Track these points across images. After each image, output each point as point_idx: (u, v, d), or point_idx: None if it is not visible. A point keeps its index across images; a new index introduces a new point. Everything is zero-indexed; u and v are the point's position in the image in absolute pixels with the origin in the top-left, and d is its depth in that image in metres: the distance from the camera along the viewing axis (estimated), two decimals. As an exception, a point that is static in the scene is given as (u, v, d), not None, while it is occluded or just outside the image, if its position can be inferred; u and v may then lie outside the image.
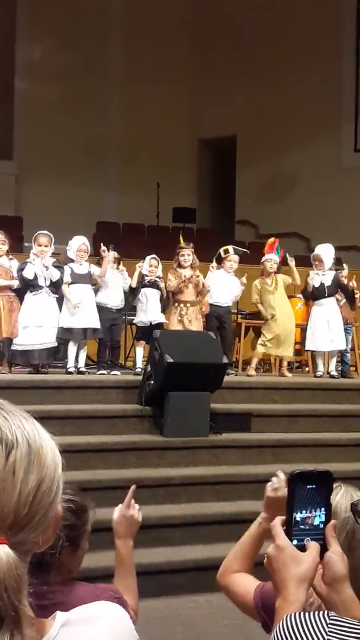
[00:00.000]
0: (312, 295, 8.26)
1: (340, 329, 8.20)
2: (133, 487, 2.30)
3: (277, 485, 2.05)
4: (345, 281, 8.42)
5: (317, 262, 8.34)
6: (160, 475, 5.82)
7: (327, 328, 8.14)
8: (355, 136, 15.33)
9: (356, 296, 8.73)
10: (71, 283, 7.37)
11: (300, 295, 9.77)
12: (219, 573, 2.02)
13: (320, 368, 8.31)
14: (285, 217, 14.40)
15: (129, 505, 2.26)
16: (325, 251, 8.38)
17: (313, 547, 1.20)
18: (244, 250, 8.50)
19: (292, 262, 8.28)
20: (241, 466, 6.19)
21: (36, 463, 0.92)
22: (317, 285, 8.21)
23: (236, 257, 8.10)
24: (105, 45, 15.76)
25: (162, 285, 7.86)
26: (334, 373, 8.20)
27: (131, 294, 7.90)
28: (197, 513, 5.56)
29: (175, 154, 16.16)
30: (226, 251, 8.12)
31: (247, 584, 1.93)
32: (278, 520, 1.23)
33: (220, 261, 8.11)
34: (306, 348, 8.62)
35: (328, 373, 8.22)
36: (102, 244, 7.82)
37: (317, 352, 8.38)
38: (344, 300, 8.59)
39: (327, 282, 8.23)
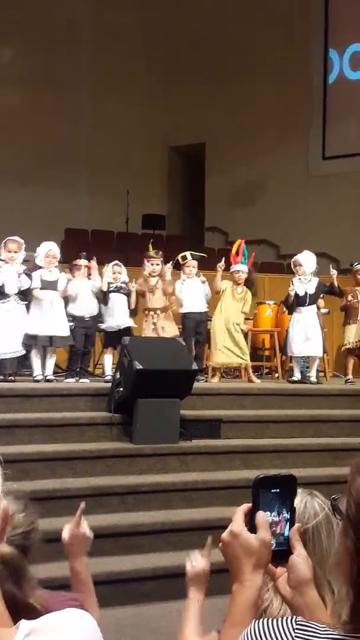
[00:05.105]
0: (294, 305, 8.30)
1: (318, 337, 8.28)
2: (82, 506, 2.21)
3: (196, 560, 2.07)
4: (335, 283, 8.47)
5: (297, 267, 8.36)
6: (129, 482, 5.80)
7: (305, 335, 8.21)
8: (324, 144, 15.45)
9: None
10: (41, 289, 7.31)
11: (270, 302, 9.83)
12: None
13: (297, 374, 8.34)
14: (255, 224, 14.42)
15: (79, 524, 2.17)
16: (306, 257, 8.42)
17: (262, 528, 1.20)
18: (202, 254, 8.58)
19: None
20: (211, 472, 6.19)
21: None
22: (301, 294, 8.25)
23: (195, 262, 8.19)
24: (74, 51, 15.69)
25: (130, 288, 7.85)
26: (313, 379, 8.27)
27: (103, 299, 7.86)
28: (167, 520, 5.55)
29: (145, 160, 16.14)
30: (184, 257, 8.23)
31: None
32: (243, 507, 1.23)
33: (178, 267, 8.20)
34: (287, 353, 8.72)
35: (308, 379, 8.28)
36: (68, 268, 7.72)
37: (295, 357, 8.44)
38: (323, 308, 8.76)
39: (311, 290, 8.25)
